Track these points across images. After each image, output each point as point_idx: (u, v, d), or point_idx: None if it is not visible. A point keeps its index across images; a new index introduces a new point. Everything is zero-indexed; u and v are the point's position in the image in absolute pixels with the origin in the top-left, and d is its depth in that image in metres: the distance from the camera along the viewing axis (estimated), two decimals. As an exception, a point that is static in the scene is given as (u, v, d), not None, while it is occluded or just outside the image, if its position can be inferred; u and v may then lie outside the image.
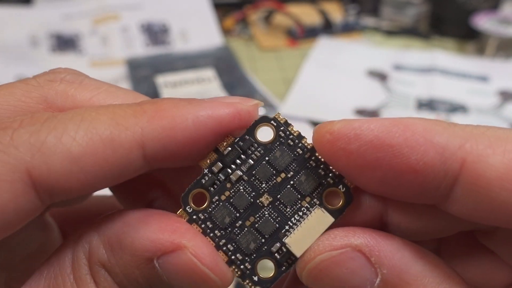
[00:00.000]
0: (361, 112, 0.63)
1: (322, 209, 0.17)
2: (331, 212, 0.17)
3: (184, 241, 0.16)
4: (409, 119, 0.15)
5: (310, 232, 0.17)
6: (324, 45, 0.80)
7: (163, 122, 0.15)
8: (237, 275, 0.17)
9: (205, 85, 0.64)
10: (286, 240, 0.17)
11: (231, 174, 0.17)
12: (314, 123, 0.61)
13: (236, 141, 0.18)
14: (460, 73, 0.73)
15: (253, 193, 0.17)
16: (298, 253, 0.17)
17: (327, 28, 0.85)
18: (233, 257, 0.17)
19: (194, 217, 0.17)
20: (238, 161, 0.18)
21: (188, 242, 0.16)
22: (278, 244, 0.17)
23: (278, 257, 0.17)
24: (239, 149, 0.18)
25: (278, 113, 0.18)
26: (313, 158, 0.18)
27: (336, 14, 0.89)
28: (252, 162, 0.18)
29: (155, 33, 0.78)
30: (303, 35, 0.83)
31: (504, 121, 0.63)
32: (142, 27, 0.78)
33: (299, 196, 0.17)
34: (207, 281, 0.16)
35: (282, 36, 0.84)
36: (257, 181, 0.18)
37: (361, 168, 0.16)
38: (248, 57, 0.78)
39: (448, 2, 0.83)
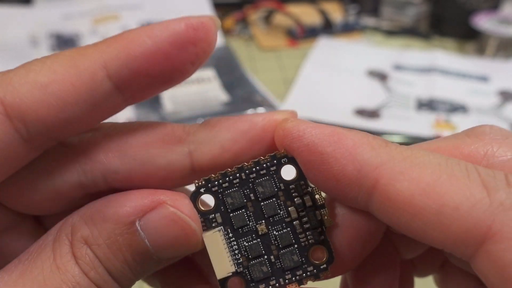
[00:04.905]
0: (361, 112, 0.63)
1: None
2: None
3: (162, 197, 0.17)
4: (348, 133, 0.17)
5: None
6: (324, 45, 0.80)
7: (121, 42, 0.17)
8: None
9: (205, 85, 0.64)
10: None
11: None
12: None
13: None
14: (460, 73, 0.73)
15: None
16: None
17: (327, 28, 0.85)
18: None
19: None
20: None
21: (166, 197, 0.17)
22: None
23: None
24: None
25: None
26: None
27: (336, 14, 0.89)
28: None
29: (155, 33, 0.78)
30: (303, 35, 0.83)
31: (504, 121, 0.63)
32: (142, 27, 0.78)
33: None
34: (188, 231, 0.17)
35: (282, 36, 0.84)
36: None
37: (302, 166, 0.18)
38: (248, 57, 0.78)
39: (448, 2, 0.83)
